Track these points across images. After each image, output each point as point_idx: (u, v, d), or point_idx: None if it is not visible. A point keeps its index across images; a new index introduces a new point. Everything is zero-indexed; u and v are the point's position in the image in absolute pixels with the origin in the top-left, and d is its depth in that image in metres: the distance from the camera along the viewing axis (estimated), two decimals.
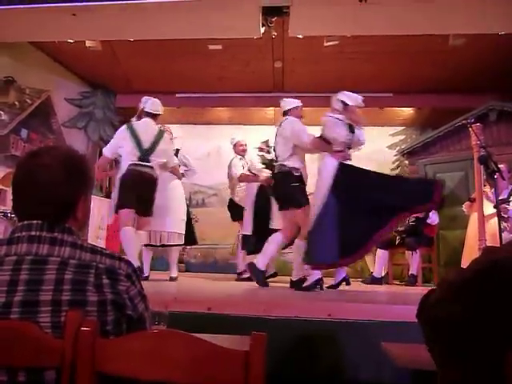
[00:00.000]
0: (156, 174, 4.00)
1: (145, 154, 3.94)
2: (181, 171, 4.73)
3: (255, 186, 4.87)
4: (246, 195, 5.03)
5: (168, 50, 5.66)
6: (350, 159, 3.73)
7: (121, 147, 3.96)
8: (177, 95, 6.97)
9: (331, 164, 3.63)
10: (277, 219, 4.37)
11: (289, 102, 4.07)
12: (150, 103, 4.20)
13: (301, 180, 3.77)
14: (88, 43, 5.11)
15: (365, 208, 3.41)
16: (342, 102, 3.76)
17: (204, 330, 1.27)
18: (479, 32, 4.42)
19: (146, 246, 4.38)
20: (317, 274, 3.59)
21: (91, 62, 6.02)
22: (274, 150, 4.05)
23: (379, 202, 3.39)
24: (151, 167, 3.95)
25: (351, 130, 3.68)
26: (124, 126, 4.09)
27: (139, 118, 4.18)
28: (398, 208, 3.46)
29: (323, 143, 3.70)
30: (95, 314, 0.96)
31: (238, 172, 4.99)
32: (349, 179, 3.56)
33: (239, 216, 5.08)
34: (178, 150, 4.85)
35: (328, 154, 3.68)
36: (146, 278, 4.09)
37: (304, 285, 3.61)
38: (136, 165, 3.87)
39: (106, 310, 0.97)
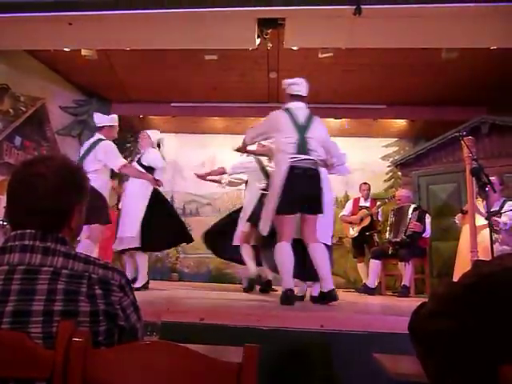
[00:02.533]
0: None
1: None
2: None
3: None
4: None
5: (164, 60, 5.69)
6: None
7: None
8: (172, 104, 7.01)
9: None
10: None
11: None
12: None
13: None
14: (84, 52, 5.12)
15: None
16: None
17: (197, 340, 1.27)
18: (472, 46, 4.49)
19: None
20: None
21: (87, 70, 6.04)
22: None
23: None
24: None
25: None
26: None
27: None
28: None
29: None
30: (87, 324, 0.95)
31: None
32: None
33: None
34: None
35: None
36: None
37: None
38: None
39: (98, 321, 0.97)
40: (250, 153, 4.26)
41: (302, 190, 3.22)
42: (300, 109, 3.46)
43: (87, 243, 3.88)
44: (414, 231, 5.23)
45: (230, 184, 4.98)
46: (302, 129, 3.36)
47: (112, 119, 4.35)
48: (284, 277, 3.24)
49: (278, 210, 3.21)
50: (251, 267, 4.42)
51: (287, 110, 3.44)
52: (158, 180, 4.40)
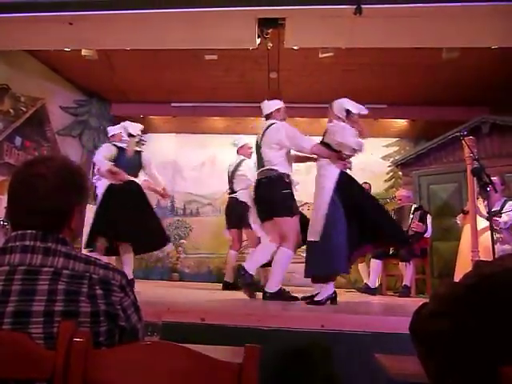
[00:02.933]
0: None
1: None
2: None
3: None
4: None
5: (164, 60, 5.69)
6: (350, 168, 3.62)
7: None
8: (172, 104, 7.01)
9: (333, 172, 3.50)
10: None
11: (270, 105, 3.89)
12: None
13: (290, 187, 3.64)
14: (84, 52, 5.12)
15: (354, 221, 3.37)
16: (346, 110, 3.63)
17: (197, 340, 1.26)
18: (472, 46, 4.49)
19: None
20: (331, 288, 3.45)
21: (87, 70, 6.04)
22: (258, 154, 3.82)
23: (364, 222, 3.37)
24: None
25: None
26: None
27: None
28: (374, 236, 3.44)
29: (326, 150, 3.55)
30: (88, 324, 0.95)
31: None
32: (349, 189, 3.48)
33: (248, 224, 4.81)
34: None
35: (328, 161, 3.54)
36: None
37: (317, 299, 3.38)
38: None
39: (98, 321, 0.97)
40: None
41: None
42: None
43: None
44: (416, 231, 5.23)
45: None
46: None
47: (120, 127, 4.39)
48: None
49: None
50: None
51: None
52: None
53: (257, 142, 3.88)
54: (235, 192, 5.05)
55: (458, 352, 0.53)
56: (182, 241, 7.55)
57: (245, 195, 4.91)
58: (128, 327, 1.03)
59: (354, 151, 3.55)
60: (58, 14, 3.92)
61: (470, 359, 0.52)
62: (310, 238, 3.47)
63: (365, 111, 3.71)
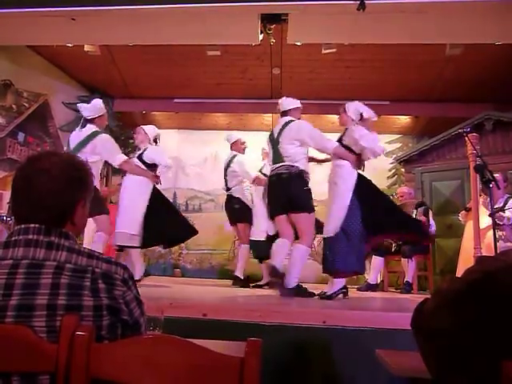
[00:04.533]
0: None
1: None
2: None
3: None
4: (255, 198, 4.91)
5: (166, 56, 5.68)
6: (363, 170, 3.75)
7: None
8: (175, 100, 7.00)
9: (353, 173, 3.62)
10: (270, 225, 4.16)
11: (289, 102, 3.93)
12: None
13: (308, 184, 3.70)
14: (86, 47, 5.12)
15: (371, 219, 3.51)
16: (361, 113, 3.76)
17: (199, 335, 1.27)
18: (476, 42, 4.46)
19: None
20: (341, 282, 3.58)
21: (89, 66, 6.03)
22: (275, 149, 3.80)
23: (386, 218, 3.54)
24: None
25: None
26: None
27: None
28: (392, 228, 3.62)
29: (347, 152, 3.66)
30: (91, 318, 0.96)
31: (251, 172, 4.83)
32: (366, 189, 3.61)
33: (245, 218, 4.92)
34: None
35: (347, 163, 3.64)
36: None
37: (329, 293, 3.52)
38: None
39: (101, 315, 0.97)
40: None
41: None
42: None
43: (100, 235, 3.85)
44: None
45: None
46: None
47: (101, 108, 4.24)
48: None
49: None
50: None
51: None
52: (157, 177, 4.37)
53: (272, 137, 3.87)
54: (230, 188, 5.07)
55: (460, 347, 0.53)
56: None
57: (237, 191, 4.96)
58: (130, 321, 1.04)
59: (375, 156, 3.67)
60: (61, 9, 3.91)
61: (472, 354, 0.52)
62: (329, 235, 3.53)
63: (375, 117, 3.87)
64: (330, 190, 3.71)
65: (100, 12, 3.92)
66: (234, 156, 5.07)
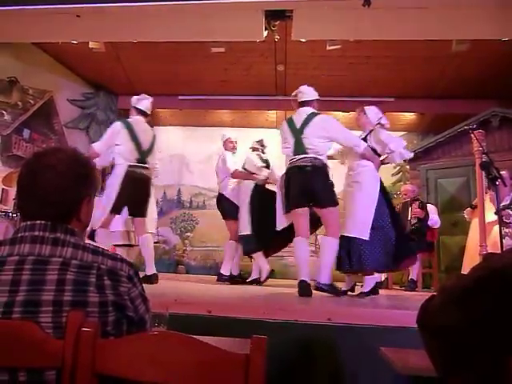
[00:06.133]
0: (151, 175, 4.07)
1: (144, 156, 3.94)
2: None
3: (251, 184, 4.80)
4: (240, 193, 4.95)
5: (171, 52, 5.68)
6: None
7: (118, 145, 3.89)
8: (179, 97, 7.00)
9: (377, 175, 3.70)
10: (282, 219, 4.00)
11: (310, 92, 3.78)
12: (146, 102, 4.17)
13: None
14: (91, 44, 5.12)
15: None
16: (380, 117, 3.86)
17: (204, 332, 1.27)
18: (482, 38, 4.42)
19: (119, 245, 4.42)
20: (374, 279, 3.63)
21: (94, 63, 6.05)
22: (297, 139, 3.63)
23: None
24: (148, 168, 3.98)
25: None
26: (120, 124, 3.97)
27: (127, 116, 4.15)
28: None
29: (372, 153, 3.70)
30: (96, 314, 0.96)
31: (231, 167, 4.86)
32: (386, 192, 3.77)
33: (231, 214, 4.95)
34: None
35: (369, 163, 3.68)
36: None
37: (364, 291, 3.60)
38: (135, 166, 3.87)
39: (106, 311, 0.98)
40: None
41: None
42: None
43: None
44: (417, 217, 5.22)
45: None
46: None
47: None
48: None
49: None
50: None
51: None
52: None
53: (294, 126, 3.69)
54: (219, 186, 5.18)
55: (467, 344, 0.53)
56: (189, 234, 7.58)
57: (223, 187, 5.02)
58: (136, 317, 1.04)
59: (402, 159, 3.84)
60: (66, 6, 3.92)
61: (478, 352, 0.52)
62: (356, 235, 3.51)
63: (388, 125, 3.96)
64: (352, 189, 3.68)
65: (105, 9, 3.93)
66: (222, 154, 5.15)
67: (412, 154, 3.91)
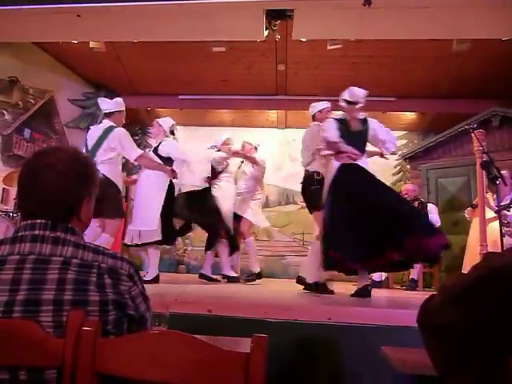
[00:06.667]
0: (101, 172, 3.59)
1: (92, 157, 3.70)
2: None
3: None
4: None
5: (171, 52, 5.68)
6: (355, 159, 3.48)
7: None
8: (180, 97, 6.99)
9: (333, 166, 3.53)
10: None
11: (313, 107, 4.22)
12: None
13: (321, 183, 3.67)
14: (92, 44, 5.12)
15: (370, 215, 3.15)
16: (344, 99, 3.64)
17: (204, 331, 1.27)
18: (483, 37, 4.42)
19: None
20: (364, 280, 3.51)
21: (95, 63, 6.04)
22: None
23: (386, 214, 3.14)
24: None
25: (347, 128, 3.53)
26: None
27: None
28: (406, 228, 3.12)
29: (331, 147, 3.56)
30: (97, 313, 0.96)
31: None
32: (347, 180, 3.39)
33: None
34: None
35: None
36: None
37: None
38: None
39: (107, 310, 0.98)
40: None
41: None
42: None
43: (106, 238, 3.68)
44: None
45: None
46: None
47: (121, 104, 4.12)
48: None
49: None
50: None
51: None
52: (174, 172, 4.31)
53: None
54: None
55: (466, 344, 0.53)
56: (189, 233, 7.57)
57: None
58: (136, 316, 1.04)
59: (340, 146, 3.57)
60: (66, 6, 3.91)
61: (478, 351, 0.52)
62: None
63: (360, 98, 3.69)
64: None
65: (105, 8, 3.92)
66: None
67: None
